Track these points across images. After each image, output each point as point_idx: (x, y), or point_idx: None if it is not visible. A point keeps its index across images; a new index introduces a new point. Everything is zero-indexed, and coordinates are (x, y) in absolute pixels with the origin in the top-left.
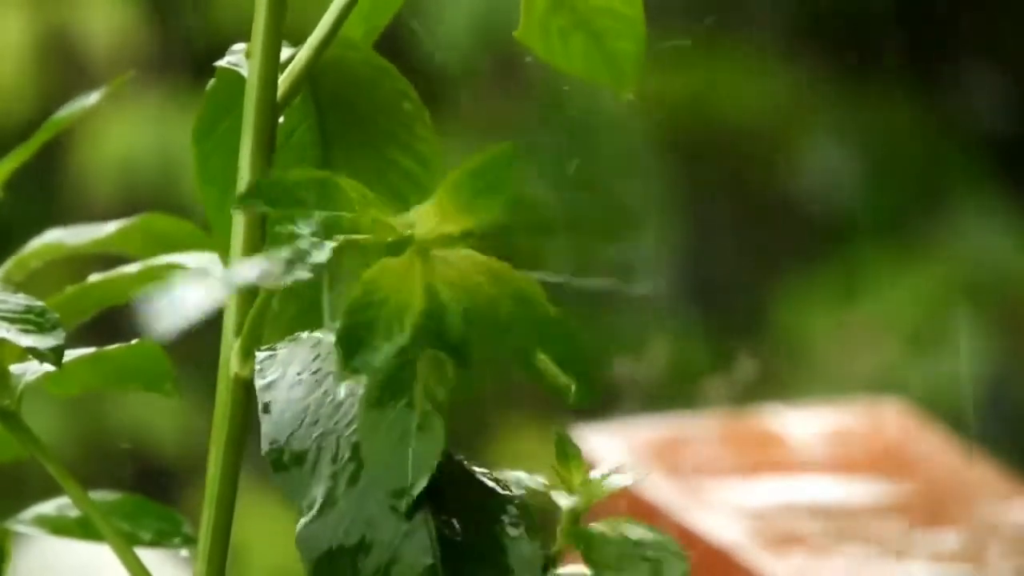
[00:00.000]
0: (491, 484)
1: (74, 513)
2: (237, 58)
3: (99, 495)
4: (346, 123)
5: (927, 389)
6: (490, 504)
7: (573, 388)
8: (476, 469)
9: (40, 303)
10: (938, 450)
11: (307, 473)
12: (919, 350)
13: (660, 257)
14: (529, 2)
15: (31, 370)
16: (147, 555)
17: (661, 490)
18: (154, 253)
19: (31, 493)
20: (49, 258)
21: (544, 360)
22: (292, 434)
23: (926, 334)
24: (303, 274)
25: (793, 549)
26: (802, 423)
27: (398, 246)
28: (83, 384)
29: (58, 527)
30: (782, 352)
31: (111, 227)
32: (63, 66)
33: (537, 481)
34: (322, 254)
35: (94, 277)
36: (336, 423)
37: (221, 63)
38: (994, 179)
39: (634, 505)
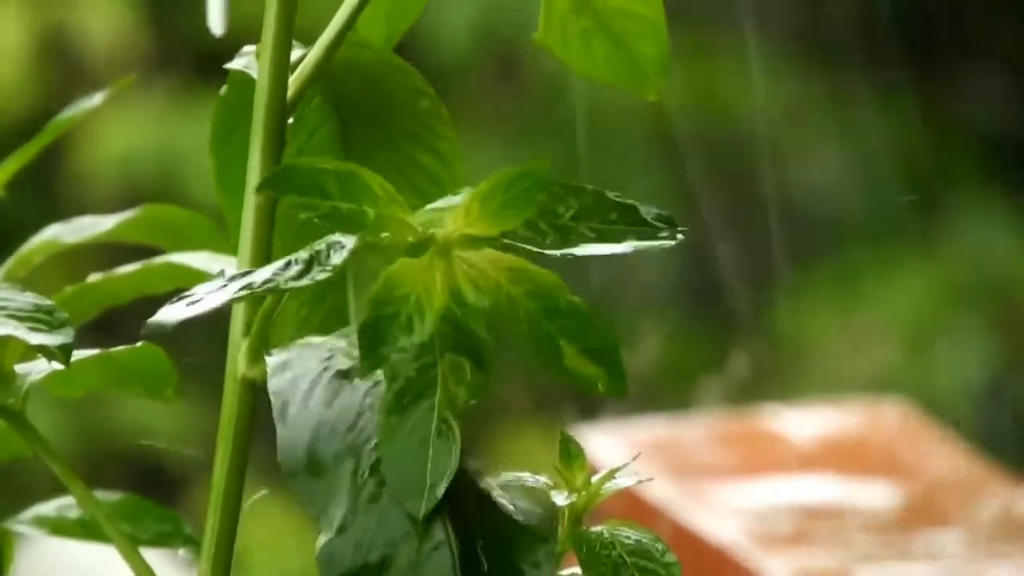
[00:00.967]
0: (510, 507)
1: (74, 513)
2: (248, 60)
3: (100, 495)
4: (365, 123)
5: (927, 389)
6: (510, 529)
7: (602, 379)
8: (496, 481)
9: (49, 301)
10: (938, 450)
11: (325, 486)
12: (919, 350)
13: (660, 255)
14: (549, 5)
15: (36, 369)
16: (148, 556)
17: (661, 490)
18: (157, 243)
19: (28, 493)
20: (51, 253)
21: (571, 353)
22: (310, 445)
23: (926, 334)
24: (322, 275)
25: (793, 549)
26: (802, 423)
27: (421, 246)
28: (87, 385)
29: (58, 527)
30: (782, 352)
31: (113, 219)
32: (62, 65)
33: (540, 481)
34: (340, 255)
35: (94, 276)
36: (356, 438)
37: (232, 65)
38: (994, 179)
39: (634, 505)
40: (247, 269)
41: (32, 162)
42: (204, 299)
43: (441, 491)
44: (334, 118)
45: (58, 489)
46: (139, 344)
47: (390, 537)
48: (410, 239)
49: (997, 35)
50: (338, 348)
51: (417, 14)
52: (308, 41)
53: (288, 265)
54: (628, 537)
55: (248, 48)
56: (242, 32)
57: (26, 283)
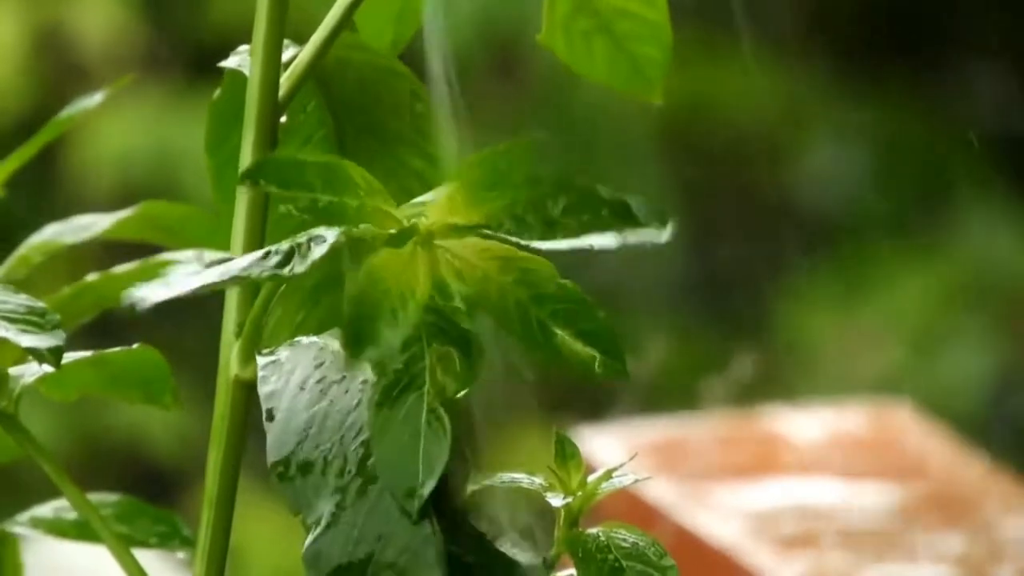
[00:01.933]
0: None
1: (71, 515)
2: (242, 59)
3: (97, 497)
4: (359, 126)
5: (931, 390)
6: (501, 524)
7: (600, 362)
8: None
9: (41, 304)
10: (943, 452)
11: (313, 485)
12: (923, 351)
13: (660, 256)
14: (551, 5)
15: (29, 372)
16: (144, 557)
17: (662, 492)
18: (156, 240)
19: (28, 494)
20: (50, 253)
21: (565, 338)
22: (298, 445)
23: (931, 334)
24: (301, 268)
25: (796, 552)
26: (805, 424)
27: (402, 236)
28: (80, 389)
29: (55, 529)
30: (785, 353)
31: (111, 218)
32: (59, 64)
33: (535, 482)
34: (322, 248)
35: (92, 276)
36: (343, 435)
37: (226, 64)
38: (999, 179)
39: (635, 507)
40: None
41: (30, 161)
42: (180, 282)
43: (433, 483)
44: (330, 123)
45: (54, 491)
46: (135, 346)
47: (377, 532)
48: (393, 229)
49: (1002, 32)
50: (329, 348)
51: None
52: (302, 40)
53: (267, 255)
54: (625, 540)
55: (242, 47)
56: (239, 30)
57: (26, 283)
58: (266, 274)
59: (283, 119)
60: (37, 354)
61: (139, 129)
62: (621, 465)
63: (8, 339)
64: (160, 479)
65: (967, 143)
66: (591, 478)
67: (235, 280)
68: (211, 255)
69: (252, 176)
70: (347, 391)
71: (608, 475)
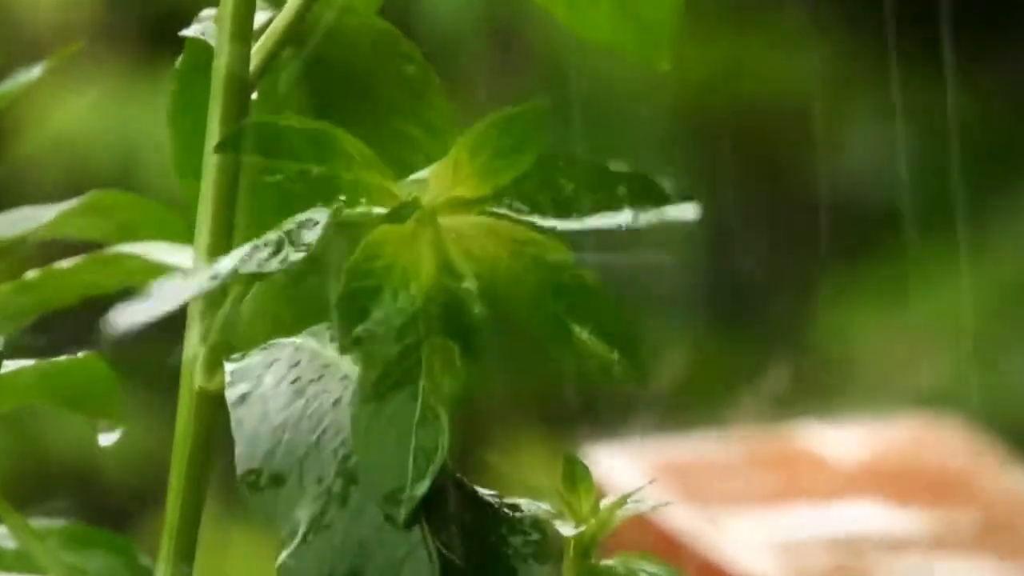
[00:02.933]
0: (498, 504)
1: (11, 544)
2: (206, 26)
3: (41, 523)
4: (344, 95)
5: (987, 402)
6: (498, 527)
7: (618, 364)
8: (481, 489)
9: None
10: (998, 473)
11: (288, 496)
12: (978, 358)
13: (683, 252)
14: None
15: None
16: None
17: (683, 519)
18: (106, 237)
19: None
20: None
21: (581, 335)
22: (270, 452)
23: (986, 340)
24: (296, 256)
25: None
26: (844, 442)
27: (403, 211)
28: (18, 399)
29: None
30: (823, 362)
31: (54, 210)
32: (5, 35)
33: (541, 508)
34: (315, 232)
35: (33, 273)
36: (320, 438)
37: (188, 32)
38: None
39: (653, 537)
40: (207, 256)
41: None
42: (163, 296)
43: (424, 489)
44: (307, 89)
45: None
46: (80, 355)
47: (360, 542)
48: (392, 205)
49: None
50: (305, 347)
51: None
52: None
53: (255, 249)
54: (644, 572)
55: (207, 12)
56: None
57: None
58: (261, 268)
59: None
60: None
61: (93, 110)
62: (638, 489)
63: None
64: (116, 504)
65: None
66: (604, 503)
67: (225, 281)
68: (182, 252)
69: (231, 144)
70: (325, 390)
71: (623, 500)
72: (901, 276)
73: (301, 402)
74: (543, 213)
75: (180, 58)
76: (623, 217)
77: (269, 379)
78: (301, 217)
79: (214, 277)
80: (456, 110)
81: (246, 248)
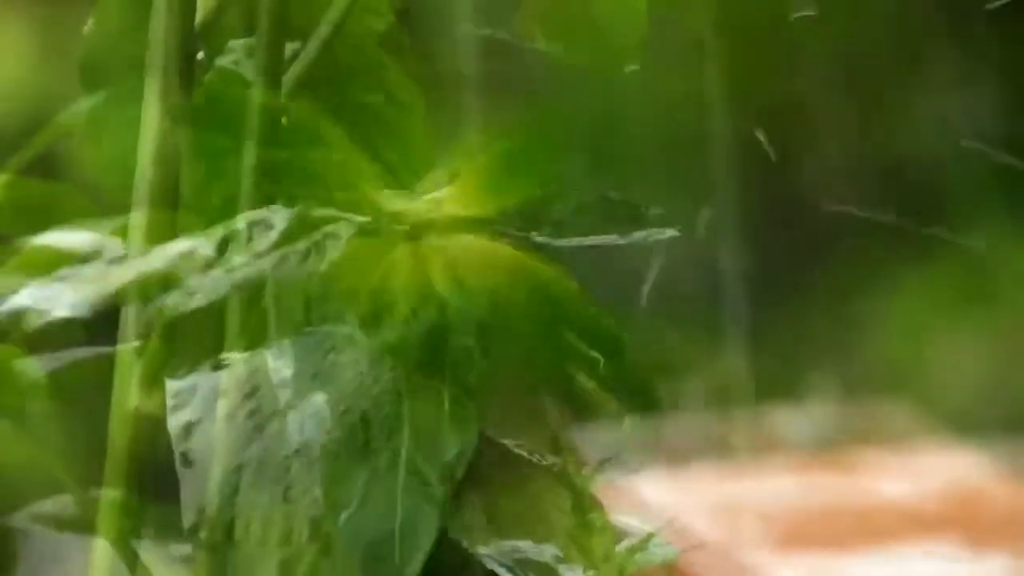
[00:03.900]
0: (534, 458)
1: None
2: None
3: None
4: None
5: (929, 390)
6: (534, 478)
7: (602, 363)
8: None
9: None
10: (940, 451)
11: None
12: (922, 350)
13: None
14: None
15: None
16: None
17: (660, 489)
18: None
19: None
20: None
21: (571, 339)
22: (225, 503)
23: (929, 334)
24: (317, 267)
25: (795, 549)
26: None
27: (417, 230)
28: None
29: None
30: (782, 352)
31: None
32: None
33: (547, 553)
34: (338, 246)
35: None
36: (288, 489)
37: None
38: (1000, 177)
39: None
40: (146, 240)
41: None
42: (85, 286)
43: (461, 471)
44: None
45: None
46: None
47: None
48: (398, 225)
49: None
50: (265, 368)
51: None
52: None
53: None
54: None
55: (235, 43)
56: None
57: None
58: (285, 278)
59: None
60: None
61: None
62: (658, 531)
63: None
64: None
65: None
66: (621, 547)
67: (149, 276)
68: (110, 242)
69: (190, 117)
70: (293, 426)
71: (644, 544)
72: (850, 276)
73: (263, 440)
74: (541, 232)
75: (208, 76)
76: (612, 237)
77: (222, 407)
78: (257, 216)
79: (224, 285)
80: (457, 114)
81: (186, 244)
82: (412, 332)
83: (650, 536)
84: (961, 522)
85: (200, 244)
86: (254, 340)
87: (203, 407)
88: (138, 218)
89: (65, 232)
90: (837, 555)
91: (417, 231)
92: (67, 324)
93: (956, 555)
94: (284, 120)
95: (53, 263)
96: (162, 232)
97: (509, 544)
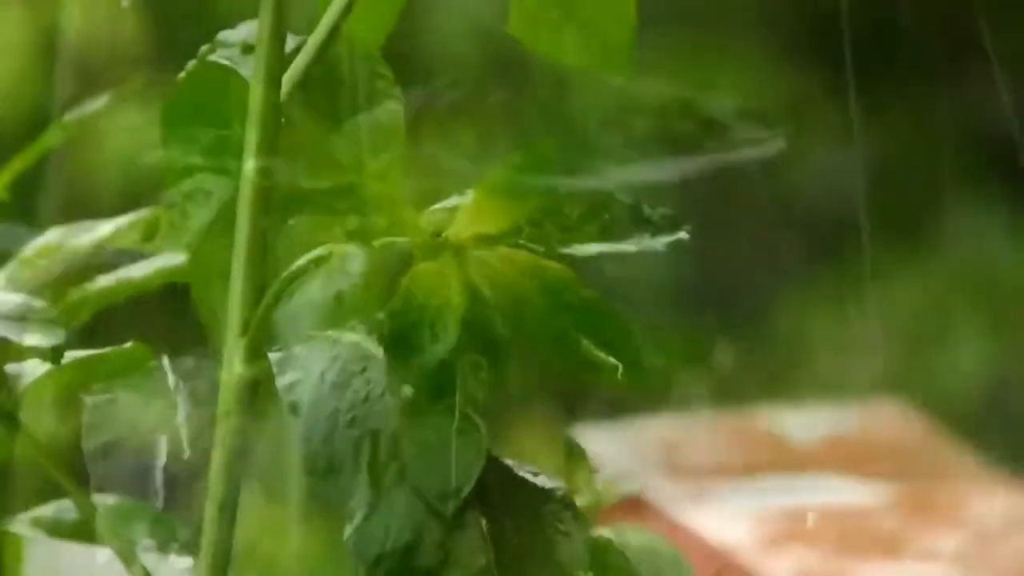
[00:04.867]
0: (534, 480)
1: (72, 516)
2: (231, 52)
3: (96, 499)
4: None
5: (927, 389)
6: (536, 500)
7: (622, 370)
8: (518, 464)
9: (40, 302)
10: (937, 451)
11: (346, 477)
12: (919, 350)
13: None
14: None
15: (29, 370)
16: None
17: (662, 491)
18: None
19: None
20: (52, 257)
21: (588, 346)
22: (327, 438)
23: (926, 334)
24: (344, 285)
25: (792, 549)
26: (803, 424)
27: (435, 248)
28: (80, 386)
29: (57, 530)
30: (782, 352)
31: (113, 223)
32: (63, 66)
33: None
34: (358, 263)
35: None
36: (371, 424)
37: (216, 57)
38: (995, 179)
39: (634, 506)
40: (243, 283)
41: (33, 164)
42: None
43: (469, 487)
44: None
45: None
46: (127, 345)
47: (417, 518)
48: (421, 242)
49: (996, 33)
50: (343, 340)
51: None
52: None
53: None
54: (635, 540)
55: (226, 35)
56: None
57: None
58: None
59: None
60: (39, 352)
61: (144, 131)
62: (629, 467)
63: (8, 338)
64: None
65: (965, 143)
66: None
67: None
68: None
69: (280, 210)
70: (369, 381)
71: (617, 480)
72: (853, 277)
73: (350, 391)
74: (551, 240)
75: (188, 69)
76: (624, 245)
77: (315, 369)
78: (350, 248)
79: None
80: (459, 127)
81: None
82: (426, 349)
83: (621, 472)
84: (844, 460)
85: (319, 272)
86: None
87: (302, 370)
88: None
89: None
90: (741, 482)
91: (432, 249)
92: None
93: (831, 483)
94: (361, 189)
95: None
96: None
97: (524, 470)
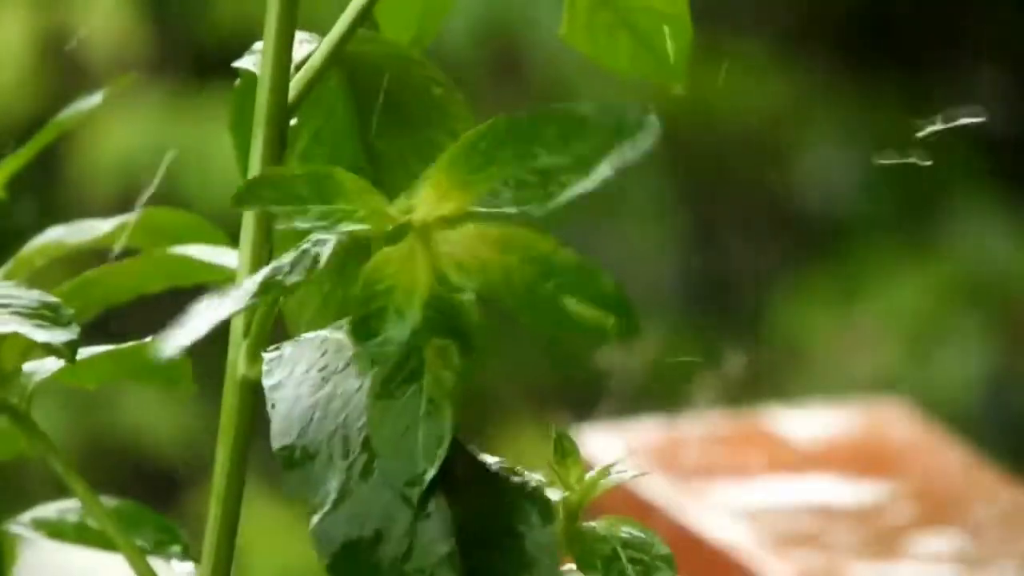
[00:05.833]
0: (504, 472)
1: (74, 517)
2: (256, 58)
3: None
4: (382, 109)
5: (927, 389)
6: (505, 491)
7: (613, 324)
8: (488, 457)
9: (55, 299)
10: (937, 450)
11: (319, 468)
12: (918, 350)
13: (659, 256)
14: (572, 2)
15: (42, 368)
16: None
17: (660, 490)
18: (158, 247)
19: (28, 491)
20: (51, 256)
21: (574, 306)
22: (302, 431)
23: (925, 334)
24: (304, 274)
25: (793, 549)
26: (802, 423)
27: (398, 233)
28: (97, 380)
29: (57, 531)
30: (782, 352)
31: (113, 222)
32: (63, 66)
33: (534, 478)
34: (324, 251)
35: (92, 272)
36: (346, 417)
37: (240, 64)
38: (994, 179)
39: (633, 505)
40: (250, 266)
41: (31, 163)
42: (200, 319)
43: (432, 474)
44: (352, 102)
45: (58, 488)
46: (149, 339)
47: (384, 509)
48: (388, 227)
49: (996, 32)
50: (331, 339)
51: (446, 14)
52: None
53: (275, 271)
54: (622, 532)
55: (258, 45)
56: (242, 31)
57: (27, 285)
58: (282, 284)
59: (293, 121)
60: (53, 349)
61: (141, 131)
62: (619, 461)
63: (22, 334)
64: (165, 477)
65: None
66: (590, 474)
67: (253, 301)
68: (223, 253)
69: (242, 200)
70: (349, 377)
71: (606, 470)
72: (852, 276)
73: (328, 388)
74: (526, 193)
75: (237, 82)
76: (601, 171)
77: (300, 367)
78: (314, 238)
79: (239, 300)
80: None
81: (266, 270)
82: (430, 309)
83: (611, 465)
84: (837, 461)
85: (281, 267)
86: (318, 322)
87: (287, 369)
88: (245, 244)
89: (193, 247)
90: (746, 482)
91: (422, 231)
92: None
93: (831, 482)
94: (322, 181)
95: (181, 268)
96: (262, 248)
97: (508, 467)
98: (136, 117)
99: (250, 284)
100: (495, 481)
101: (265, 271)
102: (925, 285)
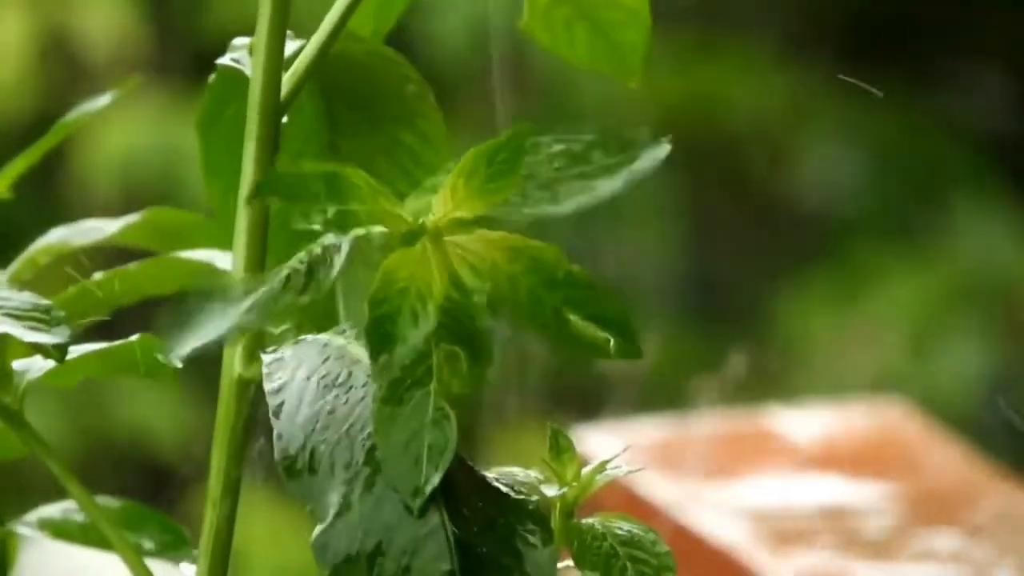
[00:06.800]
0: (506, 490)
1: (79, 517)
2: (240, 54)
3: (102, 500)
4: (350, 107)
5: (927, 388)
6: (506, 510)
7: (613, 344)
8: (489, 474)
9: (46, 301)
10: (938, 450)
11: (321, 479)
12: (919, 350)
13: (660, 256)
14: None
15: (34, 368)
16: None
17: (660, 490)
18: (161, 246)
19: (29, 491)
20: (56, 256)
21: (578, 323)
22: (306, 439)
23: (926, 334)
24: (328, 277)
25: (793, 549)
26: (802, 423)
27: (412, 235)
28: (83, 374)
29: (61, 531)
30: (782, 351)
31: (117, 223)
32: (63, 66)
33: (531, 476)
34: (341, 254)
35: (98, 275)
36: (349, 428)
37: (223, 60)
38: (994, 179)
39: (633, 505)
40: (244, 269)
41: (34, 164)
42: (207, 328)
43: (436, 481)
44: (321, 101)
45: (60, 489)
46: (135, 337)
47: (385, 523)
48: (402, 230)
49: (997, 33)
50: (333, 344)
51: (400, 10)
52: (300, 33)
53: (289, 279)
54: (620, 528)
55: (239, 40)
56: (243, 31)
57: (32, 286)
58: (298, 299)
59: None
60: (42, 350)
61: (143, 131)
62: (615, 456)
63: (13, 335)
64: (162, 477)
65: (964, 142)
66: (585, 470)
67: (264, 311)
68: (224, 257)
69: (261, 192)
70: (352, 387)
71: (602, 467)
72: (852, 276)
73: (331, 396)
74: (534, 203)
75: (212, 77)
76: (609, 185)
77: (302, 373)
78: (326, 241)
79: (251, 309)
80: (460, 128)
81: (280, 278)
82: (443, 313)
83: (606, 461)
84: (838, 460)
85: (294, 271)
86: (325, 324)
87: (289, 373)
88: (240, 243)
89: (197, 251)
90: (741, 481)
91: (435, 236)
92: None
93: (833, 482)
94: (336, 181)
95: (183, 272)
96: (256, 254)
97: (504, 469)
98: (136, 117)
99: (263, 294)
100: (496, 498)
101: (278, 281)
102: (925, 285)
